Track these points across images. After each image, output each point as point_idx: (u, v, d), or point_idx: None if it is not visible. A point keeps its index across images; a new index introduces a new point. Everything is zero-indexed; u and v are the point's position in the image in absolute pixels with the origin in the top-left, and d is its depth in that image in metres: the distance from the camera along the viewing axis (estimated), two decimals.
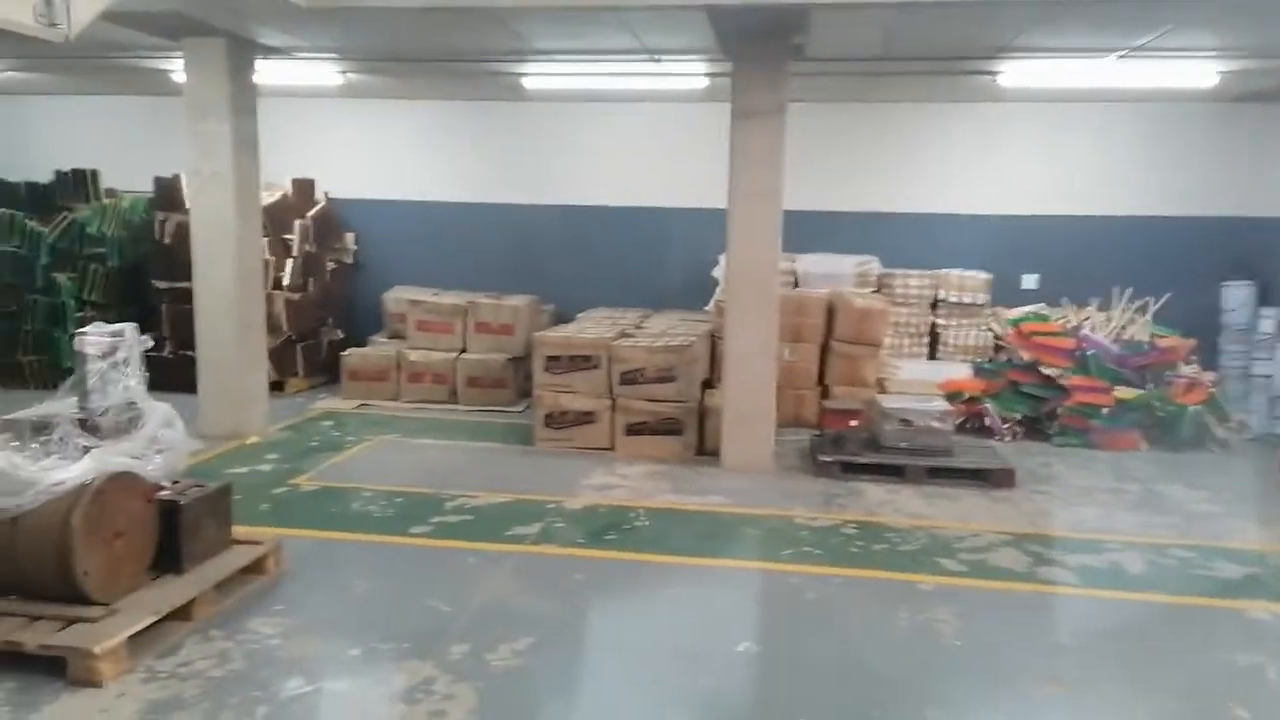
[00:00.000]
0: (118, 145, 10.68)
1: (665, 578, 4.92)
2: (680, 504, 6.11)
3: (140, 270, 9.61)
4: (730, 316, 6.84)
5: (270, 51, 7.74)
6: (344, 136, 10.63)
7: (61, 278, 9.36)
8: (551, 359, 7.54)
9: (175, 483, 4.52)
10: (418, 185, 10.58)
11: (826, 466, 6.80)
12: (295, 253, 9.59)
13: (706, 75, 8.27)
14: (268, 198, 9.45)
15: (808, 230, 9.55)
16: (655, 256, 10.21)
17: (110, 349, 4.38)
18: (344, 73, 8.66)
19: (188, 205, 7.74)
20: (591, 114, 10.21)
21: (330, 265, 10.30)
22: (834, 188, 9.91)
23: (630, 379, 7.41)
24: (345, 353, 9.37)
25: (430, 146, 10.56)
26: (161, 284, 9.25)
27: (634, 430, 7.41)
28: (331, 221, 10.35)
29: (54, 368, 9.38)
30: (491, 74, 8.54)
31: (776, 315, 6.86)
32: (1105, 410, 7.78)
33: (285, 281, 9.41)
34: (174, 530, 4.25)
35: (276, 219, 9.52)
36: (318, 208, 10.09)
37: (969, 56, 7.59)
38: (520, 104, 10.22)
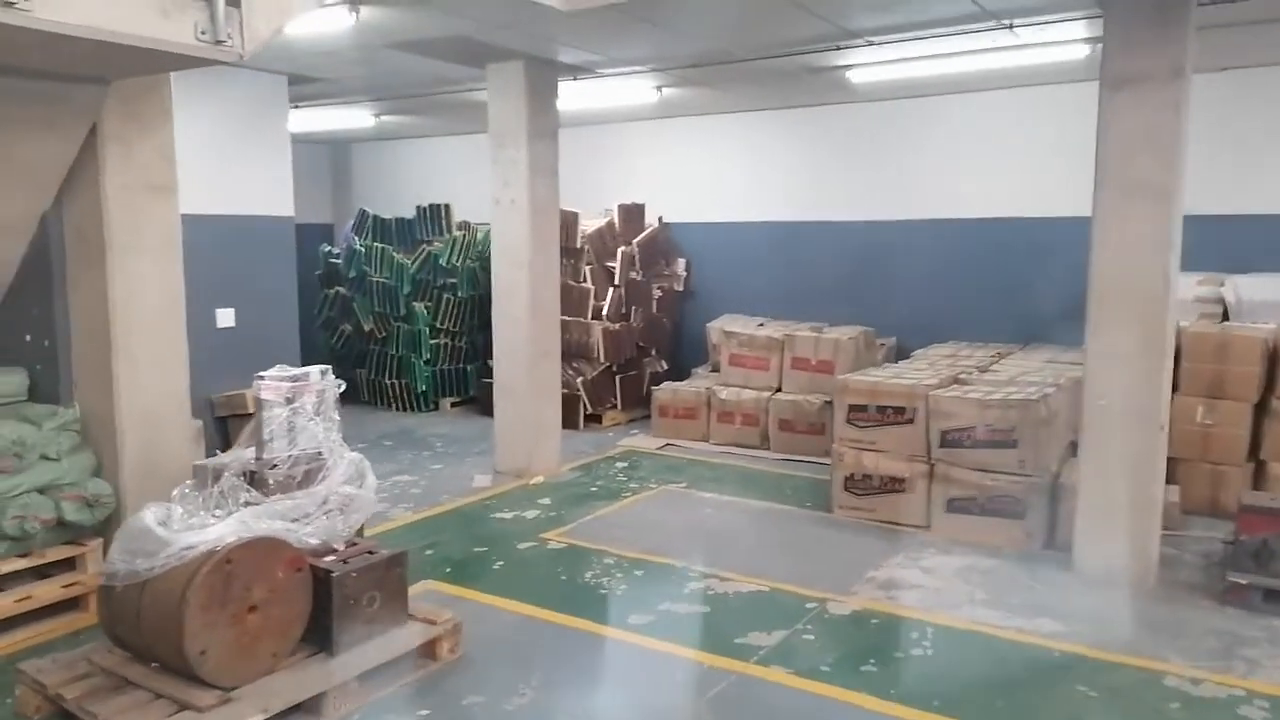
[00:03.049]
0: (472, 180, 11.25)
1: None
2: (991, 626, 4.44)
3: (488, 300, 9.90)
4: (1091, 360, 4.95)
5: (575, 71, 7.36)
6: (673, 158, 10.10)
7: (419, 306, 9.95)
8: (856, 408, 6.16)
9: (352, 545, 4.07)
10: (748, 205, 9.70)
11: (1239, 592, 4.62)
12: (617, 280, 9.21)
13: (1086, 41, 6.32)
14: (590, 225, 9.21)
15: (1245, 242, 7.06)
16: (1025, 279, 8.22)
17: (293, 394, 4.04)
18: (658, 87, 8.06)
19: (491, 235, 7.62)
20: (936, 109, 8.55)
21: (657, 293, 9.80)
22: None
23: (954, 440, 5.78)
24: (657, 387, 8.76)
25: (759, 162, 9.61)
26: None
27: (957, 507, 5.76)
28: (659, 247, 9.86)
29: (412, 392, 10.01)
30: (812, 71, 7.36)
31: (1166, 359, 4.83)
32: None
33: (605, 311, 9.06)
34: (327, 605, 3.76)
35: (599, 246, 9.23)
36: (645, 233, 9.65)
37: None
38: (852, 105, 8.88)
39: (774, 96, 8.69)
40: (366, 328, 10.31)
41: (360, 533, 4.30)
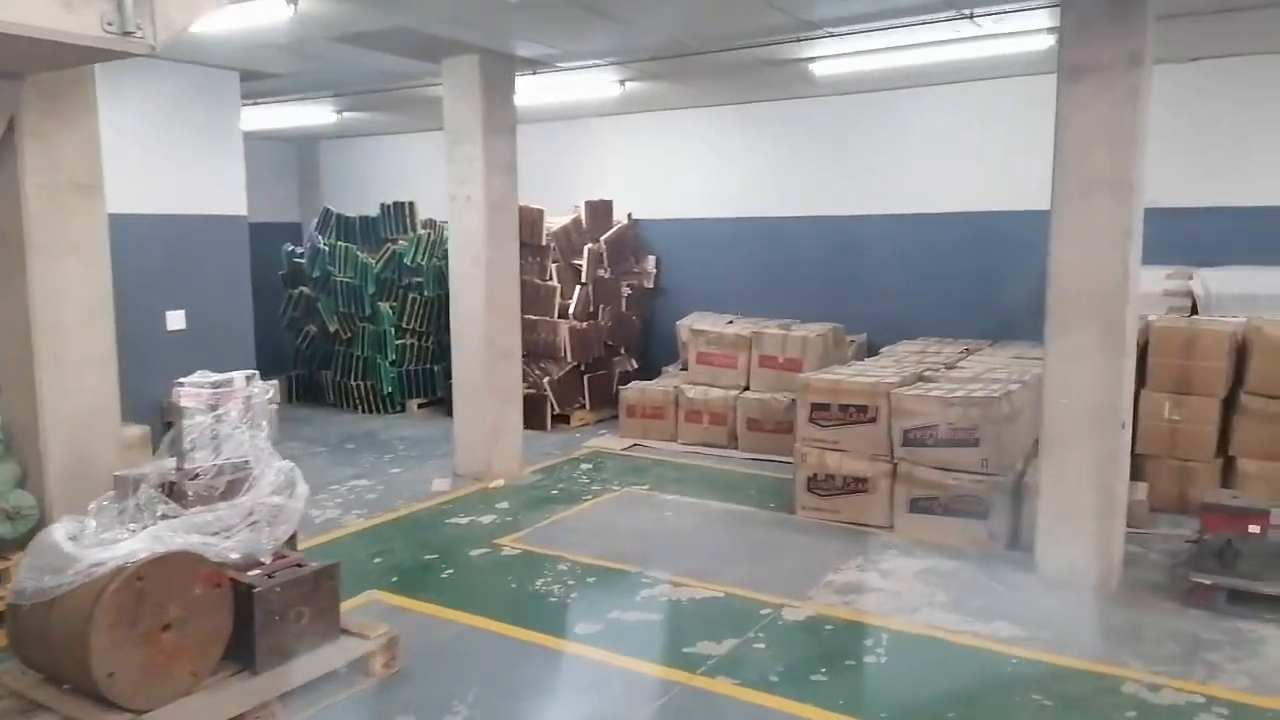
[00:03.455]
0: (437, 178, 11.06)
1: None
2: (947, 631, 4.32)
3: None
4: (1050, 357, 4.83)
5: (533, 65, 7.20)
6: (642, 154, 9.94)
7: (384, 306, 9.76)
8: (818, 407, 6.03)
9: (281, 558, 3.90)
10: (718, 201, 9.54)
11: (1202, 592, 4.50)
12: (584, 278, 9.05)
13: (1048, 31, 6.19)
14: (556, 222, 9.05)
15: (1215, 234, 6.98)
16: (994, 274, 8.09)
17: (216, 401, 3.87)
18: (621, 81, 7.90)
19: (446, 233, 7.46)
20: (903, 103, 8.43)
21: (627, 291, 9.65)
22: (1266, 177, 7.10)
23: (916, 439, 5.65)
24: (624, 387, 8.61)
25: (728, 158, 9.46)
26: None
27: (920, 507, 5.64)
28: (628, 244, 9.71)
29: (378, 394, 9.83)
30: (774, 64, 7.22)
31: (1127, 355, 4.71)
32: None
33: (571, 309, 8.90)
34: (249, 621, 3.60)
35: (566, 244, 9.07)
36: (613, 230, 9.49)
37: None
38: (819, 99, 8.76)
39: (740, 91, 8.55)
40: (331, 328, 10.12)
41: (293, 544, 4.14)
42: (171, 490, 3.73)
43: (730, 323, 8.57)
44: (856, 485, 5.85)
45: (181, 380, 3.85)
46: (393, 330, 9.75)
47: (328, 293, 10.06)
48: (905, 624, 4.39)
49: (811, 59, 7.01)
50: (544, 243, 8.90)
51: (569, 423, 8.95)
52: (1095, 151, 4.56)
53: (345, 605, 4.61)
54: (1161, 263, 6.72)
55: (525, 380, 8.91)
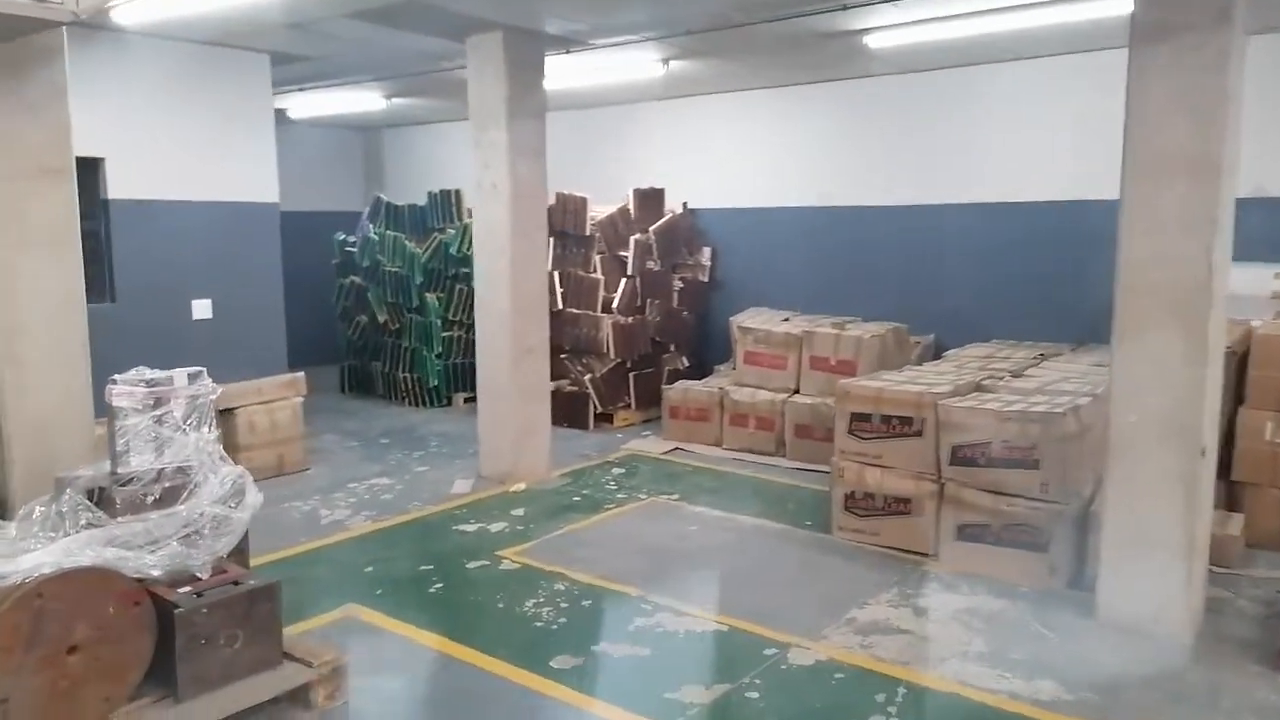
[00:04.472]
0: None
1: None
2: (978, 689, 3.68)
3: None
4: (1117, 366, 4.12)
5: (564, 43, 6.76)
6: (697, 140, 9.39)
7: (431, 297, 9.51)
8: (858, 417, 5.41)
9: (221, 573, 3.57)
10: (778, 189, 8.93)
11: None
12: (630, 270, 8.58)
13: None
14: (602, 211, 8.61)
15: None
16: (1079, 270, 7.24)
17: (154, 400, 3.57)
18: (664, 60, 7.39)
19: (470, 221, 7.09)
20: (977, 81, 7.66)
21: (679, 284, 9.14)
22: None
23: (966, 457, 4.99)
24: (668, 386, 8.11)
25: (790, 143, 8.83)
26: None
27: (968, 534, 4.97)
28: (681, 234, 9.18)
29: (424, 386, 9.61)
30: (824, 36, 6.56)
31: (1212, 366, 3.97)
32: None
33: (616, 303, 8.44)
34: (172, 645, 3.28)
35: (611, 234, 8.62)
36: (664, 220, 8.98)
37: None
38: (885, 79, 8.08)
39: (793, 70, 7.93)
40: (381, 319, 9.95)
41: (244, 558, 3.81)
42: (101, 497, 3.44)
43: (786, 320, 7.97)
44: (898, 506, 5.22)
45: (115, 378, 3.55)
46: (439, 322, 9.49)
47: (377, 283, 9.89)
48: (929, 677, 3.78)
49: (865, 30, 6.34)
50: (588, 233, 8.47)
51: (612, 422, 8.51)
52: (1174, 125, 3.84)
53: (320, 620, 4.36)
54: (1272, 260, 5.86)
55: (567, 377, 8.57)
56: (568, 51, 6.91)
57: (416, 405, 9.67)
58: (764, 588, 4.75)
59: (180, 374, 3.64)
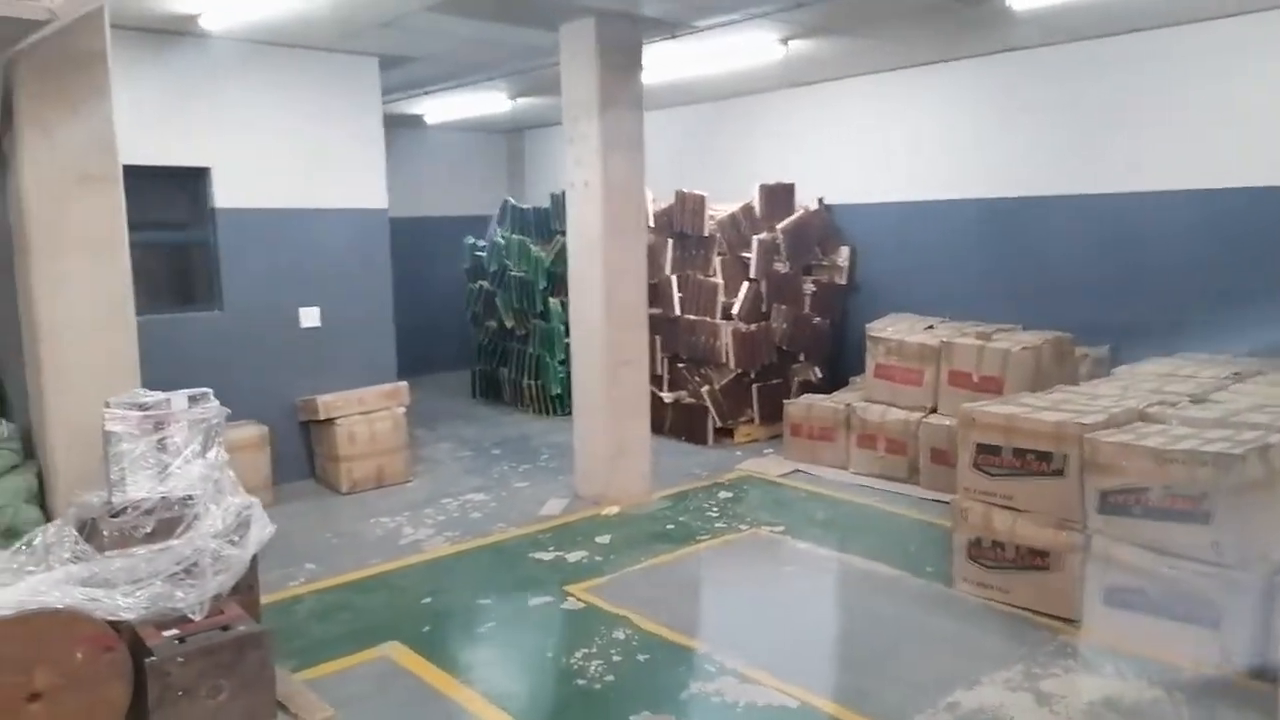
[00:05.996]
0: None
1: None
2: None
3: None
4: None
5: (666, 27, 6.20)
6: (832, 131, 8.54)
7: (555, 302, 9.21)
8: (985, 449, 4.54)
9: (217, 614, 3.28)
10: (927, 181, 7.96)
11: None
12: (753, 273, 7.89)
13: None
14: (722, 210, 7.99)
15: None
16: None
17: (153, 425, 3.32)
18: (783, 40, 6.67)
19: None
20: (1162, 46, 6.42)
21: (811, 288, 8.36)
22: None
23: (1119, 504, 4.03)
24: (790, 401, 7.38)
25: (939, 128, 7.83)
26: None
27: (1119, 599, 4.02)
28: (813, 233, 8.39)
29: (547, 394, 9.33)
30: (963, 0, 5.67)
31: None
32: None
33: (736, 309, 7.79)
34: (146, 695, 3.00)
35: (733, 234, 7.97)
36: (793, 218, 8.23)
37: None
38: (1045, 50, 6.98)
39: (932, 45, 7.00)
40: (508, 324, 9.76)
41: (255, 598, 3.51)
42: (91, 529, 3.22)
43: (929, 328, 7.04)
44: (1033, 559, 4.32)
45: (109, 400, 3.33)
46: (562, 328, 9.15)
47: (503, 287, 9.70)
48: None
49: None
50: (706, 233, 7.86)
51: (733, 438, 7.88)
52: None
53: (355, 659, 4.05)
54: None
55: (685, 389, 8.02)
56: (673, 36, 6.35)
57: (539, 413, 9.40)
58: (855, 652, 4.02)
59: (179, 396, 3.39)
